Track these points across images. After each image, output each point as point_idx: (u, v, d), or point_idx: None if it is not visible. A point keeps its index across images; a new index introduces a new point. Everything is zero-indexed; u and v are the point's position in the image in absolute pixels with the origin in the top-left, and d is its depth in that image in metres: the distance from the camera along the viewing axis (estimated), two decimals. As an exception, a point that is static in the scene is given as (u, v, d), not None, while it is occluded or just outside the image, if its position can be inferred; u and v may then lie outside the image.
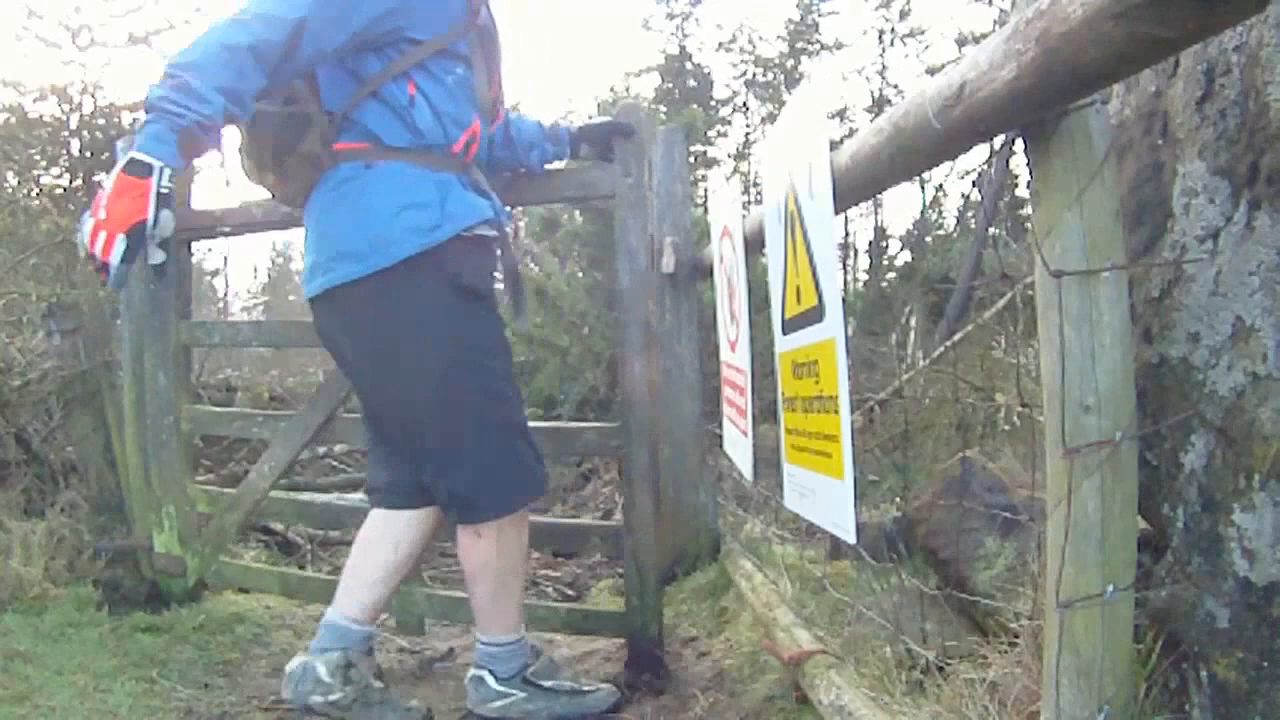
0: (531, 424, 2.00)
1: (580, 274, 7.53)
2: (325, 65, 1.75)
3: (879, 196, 9.55)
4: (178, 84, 1.50)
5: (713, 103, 18.57)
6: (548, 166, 2.30)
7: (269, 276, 27.97)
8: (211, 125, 1.53)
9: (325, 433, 2.66)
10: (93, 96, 4.81)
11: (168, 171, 1.49)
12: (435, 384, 1.81)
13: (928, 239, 15.87)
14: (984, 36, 2.85)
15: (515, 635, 1.98)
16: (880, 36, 19.47)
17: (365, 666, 1.96)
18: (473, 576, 1.93)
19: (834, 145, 1.43)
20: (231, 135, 1.80)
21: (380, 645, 2.45)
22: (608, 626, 2.45)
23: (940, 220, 17.73)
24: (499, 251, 1.96)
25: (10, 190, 4.88)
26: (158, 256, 1.54)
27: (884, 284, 12.92)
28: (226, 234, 2.82)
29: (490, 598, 1.93)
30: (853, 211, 16.57)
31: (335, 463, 5.05)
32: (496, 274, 1.99)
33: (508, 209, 2.07)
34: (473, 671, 2.00)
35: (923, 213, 17.43)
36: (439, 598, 2.60)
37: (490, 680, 1.96)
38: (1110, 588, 0.97)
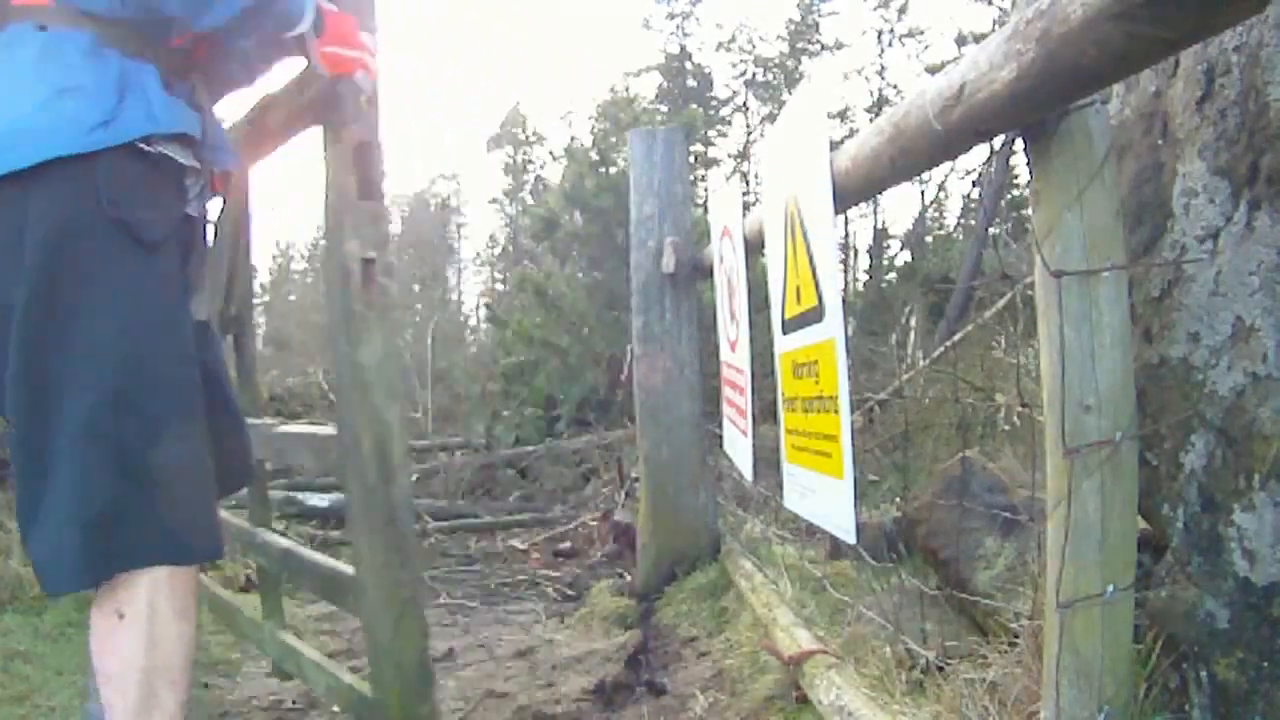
0: (250, 422, 1.46)
1: (580, 274, 7.55)
2: None
3: (879, 196, 9.55)
4: None
5: (713, 103, 18.59)
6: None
7: (269, 275, 27.99)
8: None
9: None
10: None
11: None
12: (23, 362, 1.21)
13: (928, 239, 15.88)
14: (984, 36, 2.85)
15: None
16: (880, 36, 19.48)
17: None
18: (110, 680, 1.25)
19: (834, 145, 1.43)
20: None
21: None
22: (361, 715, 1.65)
23: (940, 220, 17.74)
24: (196, 194, 1.39)
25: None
26: None
27: (884, 284, 12.93)
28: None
29: (134, 715, 1.23)
30: (853, 211, 16.57)
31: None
32: (199, 221, 1.44)
33: (235, 153, 1.53)
34: None
35: (923, 213, 17.44)
36: (277, 643, 2.06)
37: None
38: (1110, 588, 0.97)
